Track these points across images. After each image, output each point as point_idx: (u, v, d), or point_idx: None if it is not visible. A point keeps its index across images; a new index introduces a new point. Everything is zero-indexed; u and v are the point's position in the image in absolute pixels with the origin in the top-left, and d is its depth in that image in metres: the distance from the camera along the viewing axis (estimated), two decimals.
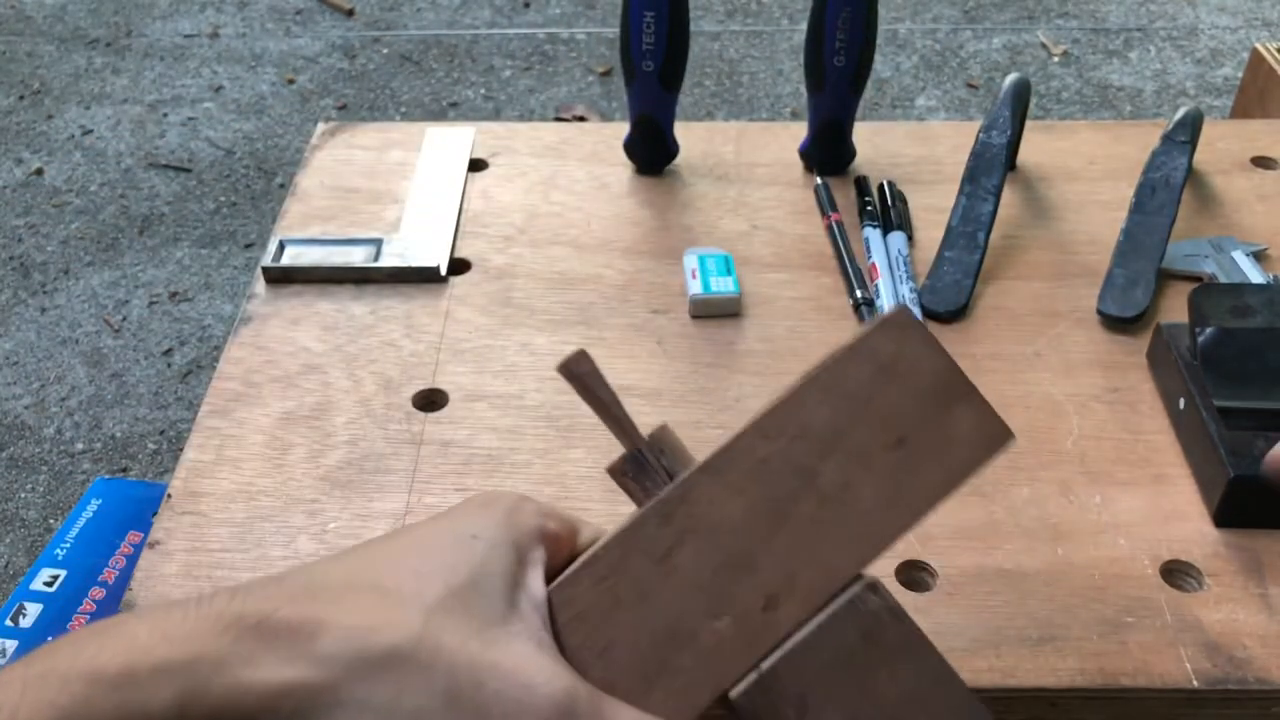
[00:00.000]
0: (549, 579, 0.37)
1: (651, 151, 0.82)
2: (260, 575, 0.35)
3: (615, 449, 0.62)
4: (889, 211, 0.77)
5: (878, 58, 1.86)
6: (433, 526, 0.36)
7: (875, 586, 0.37)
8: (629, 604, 0.36)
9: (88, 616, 0.82)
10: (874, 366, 0.39)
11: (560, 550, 0.38)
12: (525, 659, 0.32)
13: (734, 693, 0.36)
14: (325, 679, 0.30)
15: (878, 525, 0.38)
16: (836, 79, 0.77)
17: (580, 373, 0.40)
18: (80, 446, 1.56)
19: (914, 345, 0.39)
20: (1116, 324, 0.69)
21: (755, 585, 0.36)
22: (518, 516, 0.37)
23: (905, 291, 0.70)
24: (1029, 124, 0.82)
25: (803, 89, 2.18)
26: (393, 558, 0.35)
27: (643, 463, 0.39)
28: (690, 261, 0.73)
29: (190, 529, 0.58)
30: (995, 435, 0.39)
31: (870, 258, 0.73)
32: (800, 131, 0.84)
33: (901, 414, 0.38)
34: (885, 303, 0.70)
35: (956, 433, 0.38)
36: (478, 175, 0.83)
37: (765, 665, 0.36)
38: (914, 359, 0.39)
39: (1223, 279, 0.71)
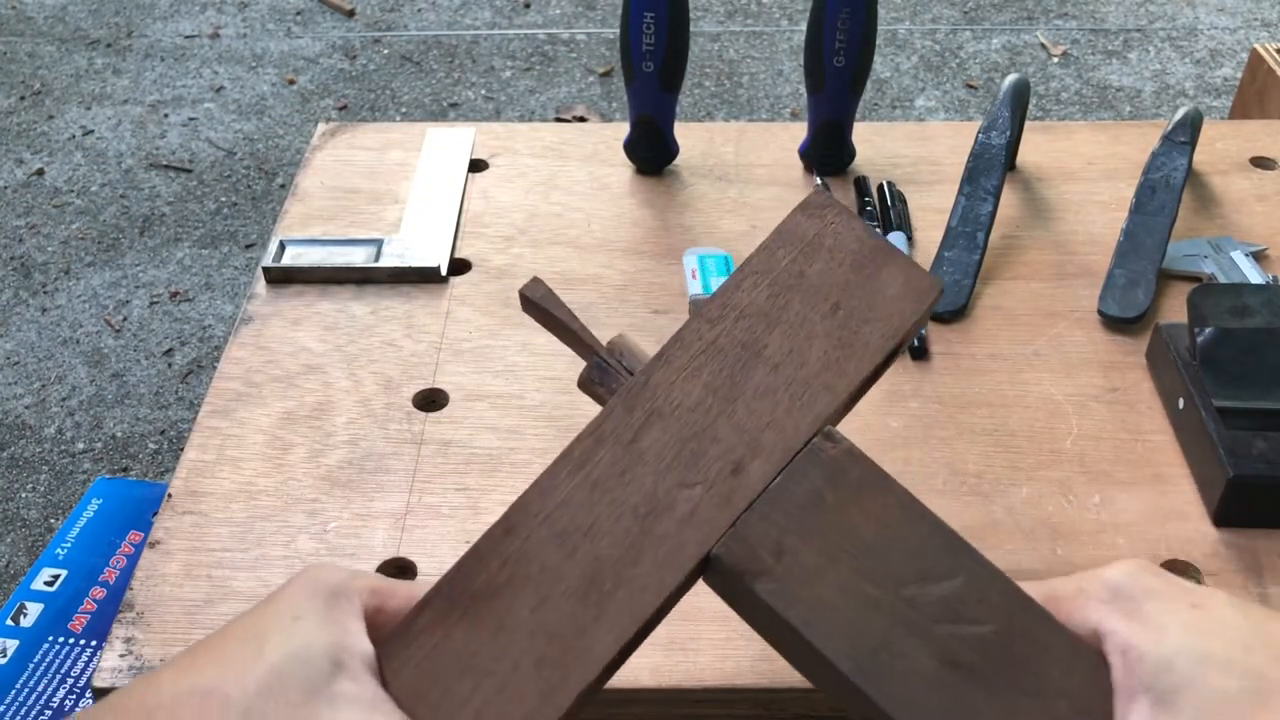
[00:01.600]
0: (378, 642, 0.38)
1: (651, 152, 0.82)
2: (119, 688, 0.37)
3: None
4: (889, 212, 0.77)
5: (878, 58, 1.87)
6: (258, 613, 0.37)
7: (831, 434, 0.40)
8: (606, 485, 0.39)
9: (88, 616, 0.82)
10: (800, 246, 0.43)
11: (384, 618, 0.38)
12: (350, 715, 0.34)
13: (715, 551, 0.38)
14: None
15: (828, 383, 0.41)
16: (836, 79, 0.77)
17: (537, 297, 0.44)
18: (81, 446, 1.56)
19: (834, 222, 0.43)
20: (1116, 324, 0.69)
21: (721, 453, 0.39)
22: (340, 595, 0.37)
23: None
24: (1028, 124, 0.82)
25: (802, 89, 2.18)
26: (218, 655, 0.36)
27: (605, 367, 0.42)
28: (690, 261, 0.73)
29: (191, 529, 0.58)
30: (923, 288, 0.43)
31: None
32: (800, 132, 0.84)
33: (833, 283, 0.42)
34: None
35: (887, 292, 0.42)
36: (478, 176, 0.83)
37: (739, 519, 0.38)
38: (836, 234, 0.43)
39: (1222, 279, 0.71)
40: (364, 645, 0.36)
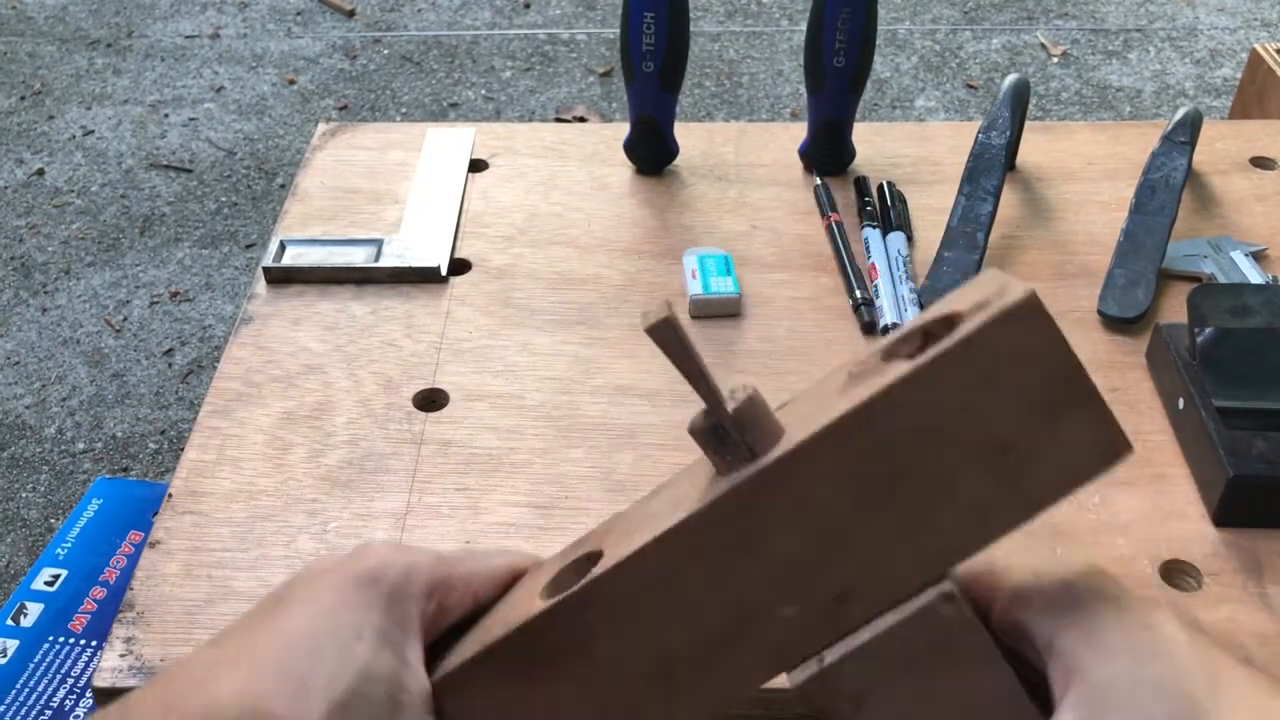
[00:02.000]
0: (444, 635, 0.37)
1: (651, 152, 0.82)
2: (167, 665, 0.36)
3: (612, 450, 0.62)
4: (888, 212, 0.77)
5: (878, 58, 1.86)
6: (315, 620, 0.35)
7: (951, 596, 0.35)
8: (698, 578, 0.35)
9: (88, 616, 0.82)
10: (990, 366, 0.34)
11: (448, 614, 0.38)
12: None
13: (793, 679, 0.35)
14: None
15: (967, 532, 0.35)
16: (836, 79, 0.77)
17: (665, 335, 0.36)
18: (81, 446, 1.56)
19: (1041, 338, 0.34)
20: (1116, 324, 0.69)
21: (830, 578, 0.35)
22: (398, 605, 0.36)
23: (905, 292, 0.70)
24: (1028, 124, 0.82)
25: (803, 89, 2.18)
26: (274, 665, 0.34)
27: (724, 436, 0.36)
28: (690, 261, 0.73)
29: (191, 529, 0.58)
30: (1113, 446, 0.35)
31: (870, 258, 0.73)
32: (800, 132, 0.84)
33: (1012, 417, 0.34)
34: (884, 303, 0.70)
35: (1070, 442, 0.34)
36: (478, 176, 0.83)
37: (829, 659, 0.35)
38: (1036, 352, 0.34)
39: (1222, 279, 0.71)
40: (421, 682, 0.35)
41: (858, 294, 0.70)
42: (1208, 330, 0.60)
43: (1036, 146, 0.84)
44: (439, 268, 0.73)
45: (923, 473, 0.34)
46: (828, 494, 0.34)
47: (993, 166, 0.75)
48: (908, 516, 0.35)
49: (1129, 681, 0.32)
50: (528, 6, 2.53)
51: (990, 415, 0.34)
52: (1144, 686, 0.32)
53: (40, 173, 2.04)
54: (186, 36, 2.44)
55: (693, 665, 0.35)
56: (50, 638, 0.81)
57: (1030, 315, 0.33)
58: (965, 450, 0.34)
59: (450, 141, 0.85)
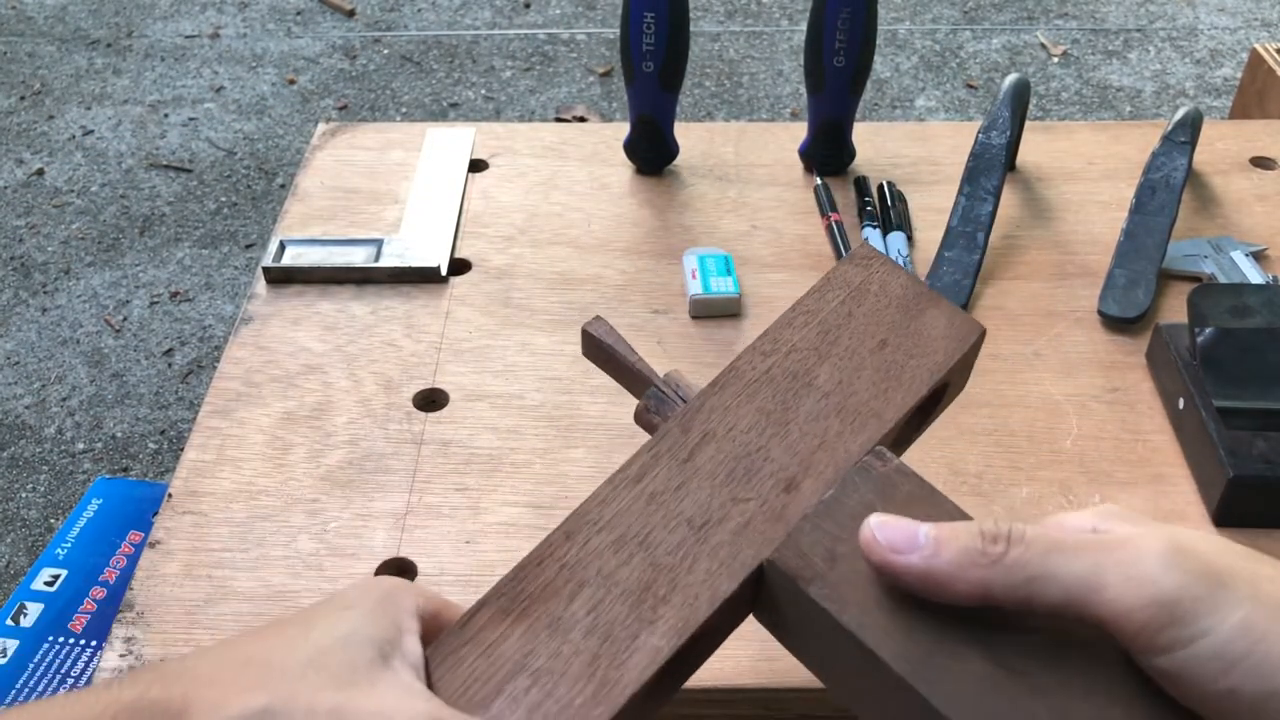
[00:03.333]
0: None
1: (651, 152, 0.82)
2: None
3: (612, 450, 0.62)
4: (888, 212, 0.77)
5: (878, 58, 1.87)
6: (311, 606, 0.38)
7: (881, 453, 0.41)
8: (661, 498, 0.40)
9: (88, 616, 0.82)
10: (847, 292, 0.46)
11: (439, 626, 0.39)
12: (387, 696, 0.34)
13: (768, 556, 0.39)
14: None
15: (876, 410, 0.43)
16: (836, 79, 0.77)
17: (599, 335, 0.46)
18: (81, 446, 1.56)
19: (880, 271, 0.47)
20: (1116, 324, 0.69)
21: (773, 472, 0.41)
22: (395, 596, 0.38)
23: None
24: (1028, 124, 0.82)
25: (803, 89, 2.18)
26: (266, 634, 0.37)
27: (662, 397, 0.44)
28: (690, 262, 0.73)
29: (191, 529, 0.58)
30: (966, 330, 0.45)
31: None
32: (800, 132, 0.84)
33: (880, 322, 0.45)
34: None
35: (931, 331, 0.45)
36: (478, 175, 0.83)
37: (793, 531, 0.39)
38: (882, 281, 0.47)
39: (1222, 279, 0.71)
40: (413, 647, 0.37)
41: None
42: (1208, 330, 0.60)
43: (1036, 146, 0.84)
44: (439, 268, 0.73)
45: (821, 374, 0.44)
46: (749, 407, 0.43)
47: (993, 166, 0.75)
48: (821, 410, 0.43)
49: (1189, 534, 0.35)
50: (528, 6, 2.53)
51: (862, 323, 0.45)
52: (1208, 536, 0.35)
53: (40, 173, 2.04)
54: (186, 36, 2.44)
55: (675, 573, 0.39)
56: (50, 638, 0.81)
57: (866, 255, 0.47)
58: (850, 350, 0.44)
59: (450, 141, 0.85)
